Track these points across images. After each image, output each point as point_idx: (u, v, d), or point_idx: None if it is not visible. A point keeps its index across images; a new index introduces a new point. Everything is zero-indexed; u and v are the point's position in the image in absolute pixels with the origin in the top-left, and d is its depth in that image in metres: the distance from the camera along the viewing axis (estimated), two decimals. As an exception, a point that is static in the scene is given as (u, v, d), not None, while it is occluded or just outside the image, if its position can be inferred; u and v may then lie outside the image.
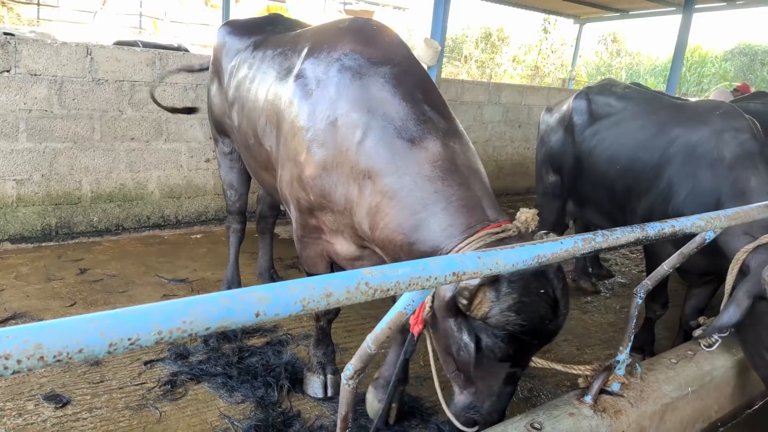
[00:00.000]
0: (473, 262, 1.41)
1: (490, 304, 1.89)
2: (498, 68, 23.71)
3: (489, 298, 1.89)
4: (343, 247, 2.80)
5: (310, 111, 2.63)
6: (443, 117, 2.48)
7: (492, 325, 1.93)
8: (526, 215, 2.06)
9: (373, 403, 3.00)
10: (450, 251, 2.07)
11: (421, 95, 2.49)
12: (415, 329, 2.18)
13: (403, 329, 3.35)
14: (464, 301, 1.91)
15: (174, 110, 4.75)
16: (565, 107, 4.69)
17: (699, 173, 3.30)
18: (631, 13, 11.42)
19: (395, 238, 2.31)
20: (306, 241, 2.95)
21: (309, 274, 2.99)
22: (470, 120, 8.47)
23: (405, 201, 2.27)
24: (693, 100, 4.62)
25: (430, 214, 2.21)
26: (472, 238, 2.06)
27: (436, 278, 1.33)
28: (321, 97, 2.60)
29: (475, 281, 1.82)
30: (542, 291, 1.93)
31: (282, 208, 4.70)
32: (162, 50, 5.79)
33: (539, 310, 1.92)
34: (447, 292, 2.03)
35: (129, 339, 0.91)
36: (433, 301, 2.12)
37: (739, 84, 11.09)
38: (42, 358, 0.84)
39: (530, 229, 2.06)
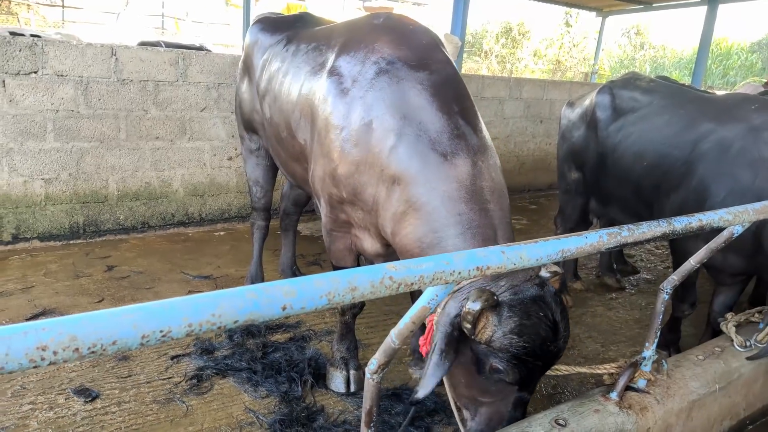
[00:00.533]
0: (497, 256, 1.41)
1: (493, 328, 1.97)
2: (519, 63, 23.52)
3: (492, 323, 1.97)
4: (368, 243, 2.86)
5: (345, 110, 2.65)
6: (475, 131, 2.50)
7: (496, 348, 2.00)
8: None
9: (417, 374, 3.25)
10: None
11: (456, 107, 2.51)
12: (424, 350, 2.24)
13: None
14: (468, 325, 1.96)
15: None
16: (587, 102, 4.59)
17: (737, 173, 3.17)
18: (654, 5, 11.23)
19: (412, 249, 2.36)
20: (336, 234, 2.99)
21: (336, 268, 3.03)
22: (491, 116, 8.42)
23: (429, 216, 2.31)
24: (719, 93, 4.50)
25: (447, 236, 2.27)
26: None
27: (459, 272, 1.34)
28: (357, 97, 2.62)
29: (478, 305, 1.89)
30: (542, 314, 2.01)
31: (308, 205, 4.75)
32: (185, 50, 5.85)
33: (540, 332, 2.00)
34: (451, 314, 2.07)
35: (161, 331, 0.93)
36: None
37: None
38: (77, 349, 0.86)
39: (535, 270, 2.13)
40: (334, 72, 2.81)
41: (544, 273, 2.12)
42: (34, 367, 0.84)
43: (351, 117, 2.61)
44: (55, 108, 5.00)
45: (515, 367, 2.02)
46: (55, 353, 0.85)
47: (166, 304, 0.95)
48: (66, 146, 5.13)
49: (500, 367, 2.02)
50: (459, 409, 2.33)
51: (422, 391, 1.98)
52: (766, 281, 3.65)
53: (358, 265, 3.00)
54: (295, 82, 3.16)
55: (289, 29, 3.73)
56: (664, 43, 28.62)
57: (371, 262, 3.09)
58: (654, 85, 4.30)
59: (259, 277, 4.49)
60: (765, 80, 10.83)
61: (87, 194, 5.33)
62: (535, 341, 1.98)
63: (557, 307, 2.07)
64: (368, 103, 2.57)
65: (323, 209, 2.97)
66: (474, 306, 1.89)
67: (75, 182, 5.25)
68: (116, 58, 5.19)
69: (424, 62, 2.61)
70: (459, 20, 7.01)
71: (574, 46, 23.31)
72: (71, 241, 5.30)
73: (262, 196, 4.36)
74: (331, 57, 2.89)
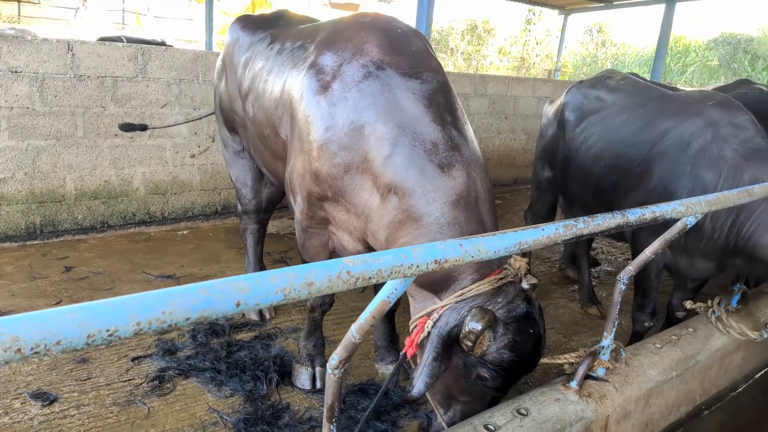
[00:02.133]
0: (455, 249, 1.42)
1: (488, 343, 2.14)
2: (484, 60, 23.71)
3: (488, 339, 2.14)
4: (348, 243, 2.86)
5: (329, 109, 2.61)
6: (467, 142, 2.55)
7: (488, 362, 2.17)
8: (520, 264, 2.28)
9: (382, 369, 3.42)
10: (458, 291, 2.27)
11: (449, 117, 2.54)
12: (409, 351, 2.34)
13: (394, 349, 3.43)
14: (469, 344, 2.12)
15: (127, 128, 4.78)
16: (559, 101, 4.58)
17: (699, 172, 3.09)
18: (615, 3, 11.45)
19: None
20: (312, 231, 2.97)
21: None
22: (456, 112, 8.47)
23: (428, 227, 2.36)
24: (687, 89, 4.45)
25: None
26: (482, 283, 2.26)
27: (418, 266, 1.34)
28: (341, 97, 2.59)
29: (480, 326, 2.07)
30: (531, 330, 2.21)
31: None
32: (144, 45, 5.73)
33: (528, 347, 2.20)
34: (450, 323, 2.22)
35: (107, 330, 0.90)
36: (432, 327, 2.27)
37: None
38: (19, 350, 0.84)
39: (519, 275, 2.27)
40: (314, 66, 2.77)
41: (525, 285, 2.24)
42: (-27, 370, 0.81)
43: (336, 117, 2.57)
44: (9, 105, 4.84)
45: (501, 377, 2.21)
46: (-5, 354, 0.82)
47: (113, 302, 0.92)
48: (21, 144, 4.97)
49: (487, 376, 2.20)
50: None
51: (416, 390, 2.16)
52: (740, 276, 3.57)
53: None
54: (279, 79, 3.10)
55: (272, 27, 3.69)
56: (625, 40, 29.20)
57: None
58: (623, 84, 4.23)
59: None
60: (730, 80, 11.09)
61: (44, 194, 5.18)
62: (524, 355, 2.19)
63: (542, 321, 2.28)
64: (357, 105, 2.53)
65: (299, 206, 2.92)
66: (477, 326, 2.08)
67: (31, 181, 5.09)
68: (73, 54, 5.05)
69: (416, 70, 2.60)
70: (423, 17, 7.02)
71: (538, 43, 23.59)
72: (28, 242, 5.14)
73: (252, 198, 4.24)
74: (317, 55, 2.84)
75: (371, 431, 2.88)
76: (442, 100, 2.57)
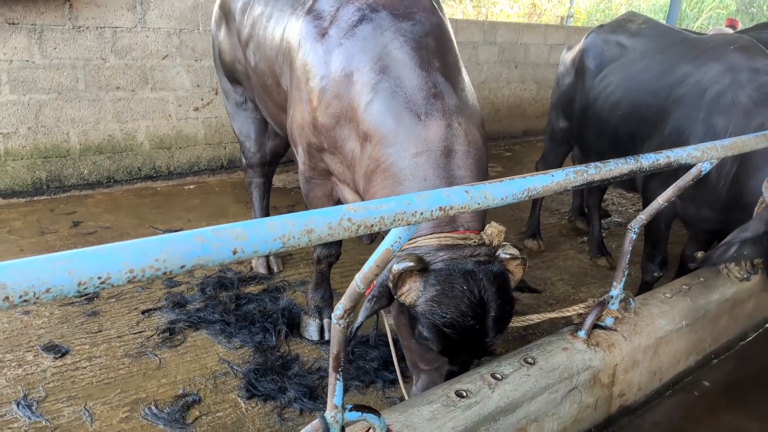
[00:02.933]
0: (461, 196, 1.37)
1: (418, 293, 1.98)
2: (494, 7, 23.05)
3: (417, 287, 1.97)
4: (348, 195, 2.81)
5: (324, 55, 2.52)
6: (455, 90, 2.38)
7: (419, 314, 1.99)
8: (493, 230, 2.10)
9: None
10: (408, 244, 2.11)
11: (437, 62, 2.39)
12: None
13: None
14: (391, 285, 1.97)
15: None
16: (577, 48, 4.38)
17: (711, 119, 2.98)
18: (630, -56, 10.97)
19: None
20: (315, 182, 2.92)
21: None
22: (465, 61, 8.24)
23: (395, 179, 2.23)
24: (711, 33, 4.23)
25: None
26: (429, 237, 2.10)
27: (422, 213, 1.29)
28: (336, 43, 2.49)
29: (400, 267, 1.92)
30: (466, 288, 1.96)
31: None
32: (143, -6, 5.57)
33: (461, 306, 1.95)
34: (394, 266, 2.00)
35: (99, 278, 0.87)
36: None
37: (726, 20, 10.74)
38: (8, 298, 0.81)
39: (494, 243, 2.10)
40: (312, 11, 2.67)
41: (502, 254, 2.05)
42: (-39, 319, 0.79)
43: (331, 65, 2.49)
44: (8, 58, 4.76)
45: (437, 337, 2.00)
46: (-18, 303, 0.79)
47: (105, 249, 0.89)
48: (23, 99, 4.91)
49: (425, 334, 2.01)
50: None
51: (355, 324, 2.06)
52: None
53: None
54: (278, 25, 2.99)
55: None
56: (640, -15, 28.21)
57: None
58: (644, 27, 4.03)
59: None
60: (725, 24, 10.74)
61: (48, 148, 5.15)
62: (455, 314, 1.94)
63: (490, 286, 1.98)
64: (349, 52, 2.44)
65: (300, 157, 2.87)
66: (397, 267, 1.92)
67: (35, 136, 5.06)
68: (70, 4, 4.92)
69: (409, 11, 2.48)
70: (430, -39, 6.79)
71: (550, -11, 22.84)
72: (35, 198, 5.15)
73: (256, 151, 4.16)
74: None
75: (380, 380, 2.91)
76: (432, 44, 2.43)
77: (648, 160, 1.78)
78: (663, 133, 3.26)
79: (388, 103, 2.31)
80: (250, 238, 1.03)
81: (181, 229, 4.68)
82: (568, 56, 4.55)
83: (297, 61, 2.69)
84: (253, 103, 3.93)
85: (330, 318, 3.30)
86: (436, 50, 2.43)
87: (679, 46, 3.59)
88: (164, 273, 0.94)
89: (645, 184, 3.43)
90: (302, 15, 2.73)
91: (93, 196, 5.34)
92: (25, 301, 0.82)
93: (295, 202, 5.57)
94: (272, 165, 4.48)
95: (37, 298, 0.83)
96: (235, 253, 1.01)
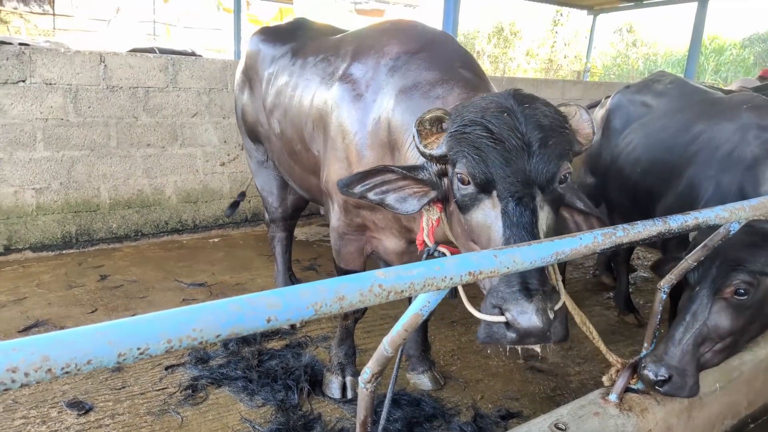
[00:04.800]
0: (490, 261, 1.37)
1: (443, 134, 1.92)
2: (511, 62, 23.52)
3: (443, 127, 1.94)
4: (390, 242, 2.85)
5: (359, 114, 2.65)
6: (473, 73, 2.54)
7: (447, 143, 1.89)
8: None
9: (414, 379, 3.38)
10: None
11: (458, 63, 2.58)
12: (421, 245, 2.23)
13: (426, 359, 3.39)
14: (416, 136, 1.95)
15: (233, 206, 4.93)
16: (605, 107, 4.43)
17: (720, 177, 2.99)
18: (645, 2, 11.22)
19: None
20: (349, 238, 2.98)
21: (343, 272, 3.01)
22: (485, 116, 8.38)
23: None
24: (736, 85, 4.23)
25: None
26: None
27: (451, 278, 1.30)
28: (370, 101, 2.64)
29: (428, 116, 1.94)
30: (494, 100, 1.91)
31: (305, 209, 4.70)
32: (174, 56, 5.81)
33: (489, 107, 1.87)
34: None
35: (138, 348, 0.89)
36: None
37: (761, 71, 10.84)
38: (50, 370, 0.82)
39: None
40: (344, 78, 2.83)
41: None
42: (5, 390, 0.80)
43: (365, 120, 2.63)
44: (45, 117, 4.96)
45: (470, 151, 1.82)
46: (26, 374, 0.81)
47: (144, 319, 0.91)
48: (56, 155, 5.08)
49: (460, 170, 1.86)
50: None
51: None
52: None
53: (365, 269, 2.98)
54: (306, 94, 3.15)
55: (292, 40, 3.71)
56: (656, 40, 28.64)
57: (387, 264, 3.06)
58: (670, 87, 4.07)
59: None
60: (757, 75, 10.84)
61: (79, 203, 5.28)
62: (479, 112, 1.85)
63: (519, 106, 1.87)
64: (379, 102, 2.60)
65: (335, 214, 2.95)
66: (425, 115, 1.95)
67: (66, 191, 5.20)
68: (105, 65, 5.15)
69: (426, 46, 2.66)
70: (450, 21, 6.98)
71: (566, 45, 23.30)
72: (64, 251, 5.25)
73: (278, 206, 4.29)
74: (344, 66, 2.91)
75: (403, 442, 2.84)
76: (452, 56, 2.63)
77: (676, 222, 1.77)
78: (677, 190, 3.27)
79: (407, 104, 2.44)
80: (283, 306, 1.04)
81: (205, 283, 4.71)
82: (598, 114, 4.60)
83: (331, 124, 2.81)
84: (273, 161, 4.05)
85: (352, 375, 3.26)
86: (456, 56, 2.65)
87: (698, 106, 3.64)
88: (200, 342, 0.95)
89: (664, 242, 3.40)
90: (335, 82, 2.88)
91: (120, 249, 5.43)
92: (67, 372, 0.83)
93: (317, 255, 5.60)
94: (294, 219, 4.55)
95: (78, 370, 0.85)
96: (269, 321, 1.02)
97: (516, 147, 1.79)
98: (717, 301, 2.27)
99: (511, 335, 1.69)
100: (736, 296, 2.25)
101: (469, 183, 1.85)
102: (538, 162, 1.79)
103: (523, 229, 1.74)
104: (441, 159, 1.94)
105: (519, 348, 1.74)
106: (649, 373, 2.21)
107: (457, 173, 1.88)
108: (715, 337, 2.29)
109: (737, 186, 2.89)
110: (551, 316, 1.67)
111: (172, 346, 0.92)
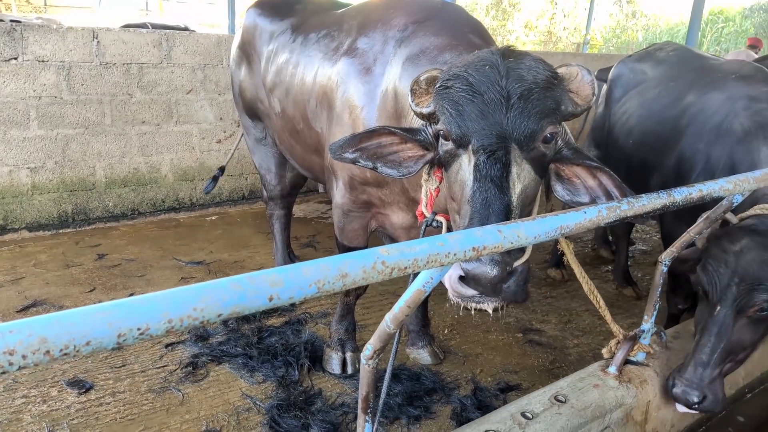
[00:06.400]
0: (494, 236, 1.35)
1: (432, 93, 1.88)
2: (510, 35, 23.25)
3: (433, 84, 1.90)
4: (398, 217, 2.83)
5: (367, 88, 2.62)
6: (483, 39, 2.51)
7: (435, 105, 1.85)
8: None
9: (414, 354, 3.39)
10: None
11: (467, 28, 2.55)
12: (421, 216, 2.19)
13: (426, 334, 3.39)
14: (410, 97, 1.93)
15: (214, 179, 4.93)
16: (608, 76, 4.36)
17: (709, 150, 2.95)
18: (646, -28, 11.04)
19: None
20: (354, 215, 2.95)
21: (346, 249, 2.99)
22: (483, 90, 8.30)
23: None
24: (729, 57, 4.16)
25: None
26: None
27: (455, 254, 1.28)
28: (378, 73, 2.60)
29: (422, 77, 1.91)
30: (480, 56, 1.86)
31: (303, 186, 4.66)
32: (168, 31, 5.72)
33: (472, 62, 1.83)
34: None
35: (138, 329, 0.87)
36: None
37: (749, 39, 10.73)
38: (48, 352, 0.80)
39: None
40: (349, 53, 2.78)
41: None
42: (2, 373, 0.79)
43: (374, 93, 2.59)
44: (38, 95, 4.88)
45: (448, 103, 1.79)
46: (24, 357, 0.79)
47: (144, 299, 0.89)
48: (50, 134, 5.02)
49: (441, 126, 1.83)
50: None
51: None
52: None
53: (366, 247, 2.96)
54: (309, 71, 3.09)
55: (292, 14, 3.62)
56: (656, 11, 28.28)
57: (393, 240, 3.05)
58: (671, 55, 3.99)
59: None
60: (747, 44, 10.72)
61: (74, 182, 5.24)
62: (461, 68, 1.81)
63: (504, 60, 1.82)
64: (387, 73, 2.56)
65: (339, 191, 2.91)
66: (420, 75, 1.93)
67: (61, 170, 5.15)
68: (98, 42, 5.06)
69: (435, 15, 2.62)
70: (448, -7, 6.89)
71: (565, 16, 23.02)
72: (60, 231, 5.22)
73: (277, 183, 4.25)
74: (347, 40, 2.86)
75: (404, 417, 2.86)
76: (460, 21, 2.61)
77: (681, 195, 1.75)
78: (668, 164, 3.24)
79: (410, 71, 2.37)
80: (285, 284, 1.02)
81: (204, 261, 4.70)
82: (603, 85, 4.53)
83: (337, 100, 2.76)
84: (272, 138, 3.99)
85: (352, 351, 3.27)
86: (465, 23, 2.62)
87: (692, 74, 3.57)
88: (201, 322, 0.93)
89: (661, 215, 3.37)
90: (341, 57, 2.82)
91: (117, 228, 5.40)
92: (65, 354, 0.82)
93: (316, 231, 5.59)
94: (292, 196, 4.52)
95: (77, 351, 0.83)
96: (271, 299, 1.01)
97: (494, 100, 1.74)
98: (740, 319, 2.24)
99: (464, 290, 1.66)
100: (758, 313, 2.22)
101: (449, 139, 1.82)
102: (516, 116, 1.73)
103: (491, 182, 1.69)
104: (431, 117, 1.90)
105: (471, 307, 1.70)
106: (687, 397, 2.22)
107: (440, 129, 1.85)
108: (738, 351, 2.29)
109: (727, 159, 2.85)
110: (507, 269, 1.62)
111: (173, 326, 0.90)
